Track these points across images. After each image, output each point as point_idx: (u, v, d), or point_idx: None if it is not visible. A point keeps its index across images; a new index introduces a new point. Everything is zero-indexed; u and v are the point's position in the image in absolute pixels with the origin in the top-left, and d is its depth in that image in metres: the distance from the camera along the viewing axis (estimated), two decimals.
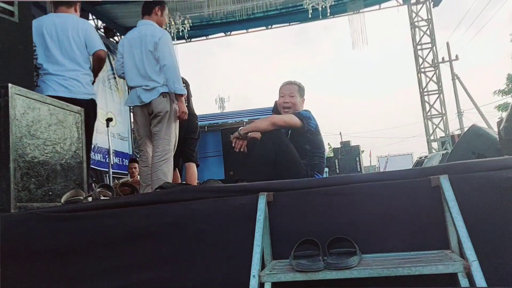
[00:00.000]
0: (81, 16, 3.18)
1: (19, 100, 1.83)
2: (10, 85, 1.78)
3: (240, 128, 2.52)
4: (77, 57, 2.90)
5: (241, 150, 2.51)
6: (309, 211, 1.59)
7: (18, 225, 1.66)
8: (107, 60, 8.23)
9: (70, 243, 1.62)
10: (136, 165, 5.54)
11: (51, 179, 1.96)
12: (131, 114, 8.74)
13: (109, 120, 4.57)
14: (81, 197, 1.86)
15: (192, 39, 9.23)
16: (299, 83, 2.86)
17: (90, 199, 1.87)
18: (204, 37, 9.41)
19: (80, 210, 1.61)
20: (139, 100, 3.11)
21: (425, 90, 9.43)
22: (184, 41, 9.07)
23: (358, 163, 9.16)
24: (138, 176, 5.17)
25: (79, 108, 2.21)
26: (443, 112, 9.29)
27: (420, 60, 9.42)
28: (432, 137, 9.41)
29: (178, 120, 3.12)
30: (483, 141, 2.74)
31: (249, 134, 2.55)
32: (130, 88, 3.27)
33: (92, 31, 3.07)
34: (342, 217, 1.54)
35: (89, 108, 2.77)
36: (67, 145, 2.10)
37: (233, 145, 2.53)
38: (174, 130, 3.07)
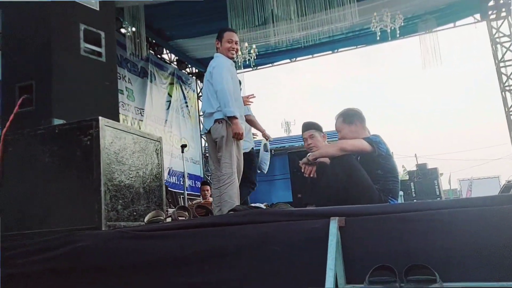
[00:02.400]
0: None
1: (108, 131, 2.07)
2: (100, 118, 2.03)
3: (308, 154, 2.58)
4: None
5: (311, 175, 2.55)
6: (383, 237, 1.58)
7: (108, 242, 1.85)
8: (179, 90, 8.92)
9: (152, 260, 1.76)
10: (208, 187, 5.82)
11: (135, 201, 2.16)
12: (202, 139, 9.27)
13: (183, 146, 4.82)
14: (162, 218, 2.02)
15: (258, 67, 9.58)
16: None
17: (169, 219, 2.02)
18: (270, 64, 9.71)
19: (161, 229, 1.76)
20: (204, 129, 3.42)
21: (511, 109, 8.75)
22: (250, 69, 9.45)
23: (436, 186, 8.63)
24: (210, 198, 5.46)
25: (159, 136, 2.43)
26: None
27: (504, 78, 8.80)
28: None
29: (236, 142, 3.23)
30: None
31: (317, 159, 2.59)
32: None
33: None
34: (419, 243, 1.51)
35: None
36: (148, 170, 2.31)
37: (302, 170, 2.59)
38: (235, 153, 3.19)
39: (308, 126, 3.28)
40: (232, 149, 3.16)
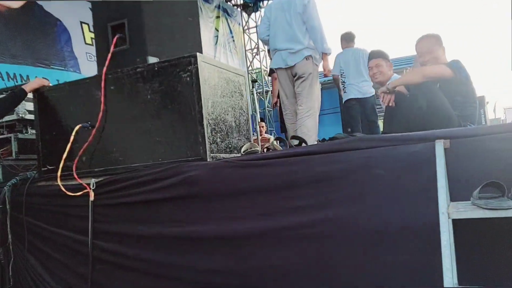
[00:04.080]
0: None
1: (205, 66, 2.19)
2: (198, 54, 2.14)
3: (388, 83, 2.62)
4: None
5: (390, 104, 2.62)
6: (489, 157, 1.68)
7: (217, 171, 2.04)
8: (226, 24, 8.78)
9: (261, 185, 1.95)
10: (263, 124, 6.01)
11: (230, 134, 2.33)
12: (249, 75, 9.26)
13: (254, 81, 4.85)
14: (258, 149, 2.19)
15: None
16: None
17: (265, 150, 2.19)
18: None
19: (269, 158, 1.93)
20: (284, 63, 3.43)
21: None
22: None
23: (483, 115, 8.46)
24: (266, 135, 5.66)
25: (243, 70, 2.54)
26: None
27: None
28: None
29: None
30: None
31: (397, 88, 2.64)
32: (274, 50, 3.54)
33: None
34: None
35: None
36: (237, 103, 2.45)
37: (381, 99, 2.65)
38: (317, 90, 3.38)
39: (375, 55, 3.26)
40: (317, 86, 3.35)
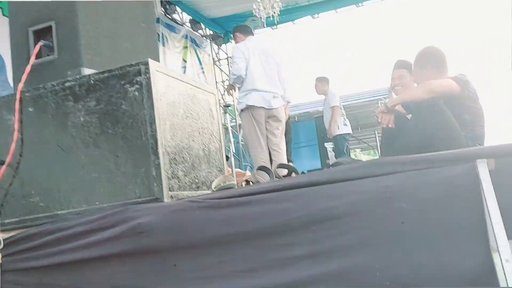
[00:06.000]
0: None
1: (160, 77, 1.71)
2: (150, 61, 1.66)
3: (387, 101, 2.28)
4: None
5: (389, 126, 2.25)
6: None
7: (176, 217, 1.52)
8: (194, 54, 8.34)
9: (242, 232, 1.45)
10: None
11: (196, 166, 1.82)
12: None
13: (227, 106, 5.09)
14: (234, 183, 1.69)
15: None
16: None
17: (243, 184, 1.69)
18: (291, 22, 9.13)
19: (255, 193, 1.44)
20: (267, 104, 3.76)
21: None
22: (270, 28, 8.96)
23: None
24: (239, 170, 5.39)
25: (212, 87, 2.08)
26: None
27: None
28: None
29: None
30: None
31: (396, 106, 2.28)
32: (252, 90, 3.76)
33: None
34: None
35: None
36: (206, 128, 1.96)
37: (379, 120, 2.28)
38: None
39: (400, 65, 2.95)
40: None
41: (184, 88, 1.85)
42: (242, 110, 3.82)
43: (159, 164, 1.60)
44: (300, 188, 1.47)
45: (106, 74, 1.67)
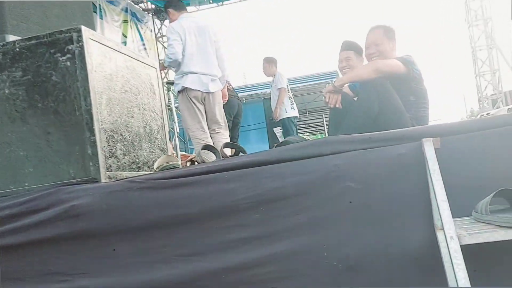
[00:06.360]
0: None
1: (95, 47, 1.56)
2: (83, 27, 1.51)
3: (335, 80, 2.25)
4: None
5: (337, 105, 2.23)
6: (488, 158, 1.33)
7: (114, 198, 1.41)
8: (135, 29, 7.85)
9: (185, 214, 1.38)
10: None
11: (136, 144, 1.70)
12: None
13: (170, 83, 4.89)
14: (178, 163, 1.60)
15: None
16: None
17: (189, 164, 1.61)
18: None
19: (200, 173, 1.36)
20: (204, 87, 3.58)
21: None
22: (215, 4, 8.80)
23: None
24: (183, 152, 5.26)
25: (153, 61, 1.94)
26: None
27: None
28: None
29: None
30: None
31: (344, 86, 2.27)
32: (189, 73, 3.57)
33: None
34: None
35: None
36: (147, 104, 1.84)
37: (327, 100, 2.25)
38: None
39: (346, 46, 2.89)
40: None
41: (123, 59, 1.71)
42: (179, 92, 3.67)
43: (95, 142, 1.47)
44: (247, 168, 1.42)
45: (33, 41, 1.50)
